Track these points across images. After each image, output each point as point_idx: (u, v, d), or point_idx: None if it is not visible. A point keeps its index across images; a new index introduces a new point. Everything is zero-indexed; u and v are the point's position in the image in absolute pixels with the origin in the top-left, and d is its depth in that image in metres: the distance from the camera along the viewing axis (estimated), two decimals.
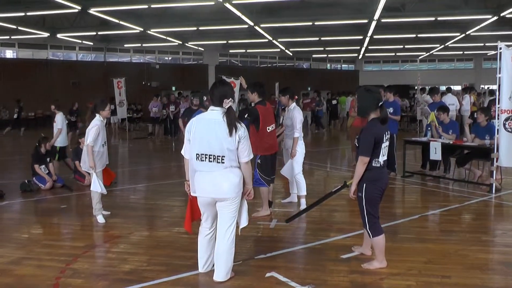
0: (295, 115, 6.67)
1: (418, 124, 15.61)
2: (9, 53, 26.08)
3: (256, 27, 19.96)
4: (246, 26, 19.63)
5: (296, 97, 7.07)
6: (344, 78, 34.52)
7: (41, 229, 6.27)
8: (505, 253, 5.03)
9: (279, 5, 18.00)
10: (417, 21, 19.17)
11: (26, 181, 8.60)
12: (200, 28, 21.34)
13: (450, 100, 12.40)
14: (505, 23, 19.11)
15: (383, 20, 17.90)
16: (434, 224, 6.14)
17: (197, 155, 3.97)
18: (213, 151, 3.91)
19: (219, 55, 31.45)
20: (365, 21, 18.36)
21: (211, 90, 4.07)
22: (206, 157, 3.93)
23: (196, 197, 4.17)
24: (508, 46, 7.59)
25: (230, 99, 3.97)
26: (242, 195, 4.13)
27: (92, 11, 16.58)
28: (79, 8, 15.99)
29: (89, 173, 7.93)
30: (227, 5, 15.17)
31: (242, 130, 3.94)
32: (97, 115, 6.45)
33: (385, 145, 4.35)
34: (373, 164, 4.31)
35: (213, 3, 15.08)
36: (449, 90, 14.49)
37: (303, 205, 6.77)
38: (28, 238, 5.80)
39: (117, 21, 18.45)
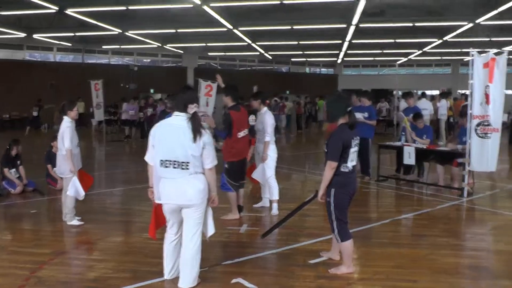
0: (266, 119, 6.68)
1: (396, 128, 15.76)
2: None
3: (235, 30, 19.94)
4: (225, 29, 19.59)
5: (268, 101, 7.09)
6: (323, 82, 34.64)
7: (8, 236, 6.07)
8: (473, 257, 5.08)
9: (258, 8, 17.99)
10: (395, 26, 19.34)
11: None
12: (179, 30, 21.22)
13: (423, 105, 12.52)
14: (481, 30, 19.45)
15: (361, 25, 18.04)
16: (406, 229, 6.19)
17: (161, 162, 3.92)
18: (177, 157, 3.86)
19: (198, 57, 31.32)
20: (344, 25, 18.48)
21: (176, 95, 4.04)
22: (170, 164, 3.88)
23: (160, 204, 4.11)
24: (480, 53, 7.71)
25: (195, 104, 3.94)
26: (207, 202, 4.08)
27: (69, 11, 16.35)
28: (56, 8, 15.76)
29: (61, 178, 7.78)
30: (206, 8, 15.12)
31: (206, 136, 3.92)
32: (65, 116, 6.30)
33: (353, 150, 4.36)
34: (342, 169, 4.32)
35: (191, 5, 15.01)
36: (423, 95, 14.65)
37: (275, 210, 6.79)
38: None
39: (95, 22, 18.24)
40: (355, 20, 16.56)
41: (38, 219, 7.00)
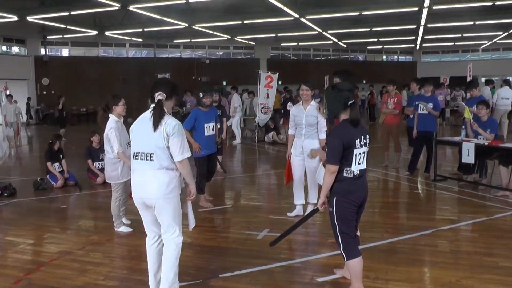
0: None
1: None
2: (65, 51, 27.08)
3: (302, 19, 19.30)
4: (292, 18, 19.01)
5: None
6: (401, 70, 32.68)
7: (26, 231, 5.99)
8: None
9: None
10: (472, 6, 17.52)
11: (39, 179, 8.58)
12: (245, 21, 20.94)
13: (505, 94, 10.97)
14: None
15: (434, 7, 16.54)
16: (446, 242, 5.05)
17: (134, 154, 3.73)
18: (143, 149, 3.65)
19: (271, 48, 30.94)
20: (416, 8, 17.07)
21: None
22: (138, 156, 3.67)
23: None
24: None
25: (159, 92, 3.66)
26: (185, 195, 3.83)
27: (132, 8, 16.64)
28: (119, 5, 16.10)
29: (101, 171, 7.70)
30: None
31: (171, 126, 3.56)
32: (111, 115, 5.70)
33: (360, 151, 3.63)
34: (344, 174, 3.62)
35: None
36: (507, 82, 12.67)
37: None
38: (7, 241, 5.57)
39: (159, 17, 18.47)
40: (426, 2, 15.16)
41: (63, 215, 6.97)
